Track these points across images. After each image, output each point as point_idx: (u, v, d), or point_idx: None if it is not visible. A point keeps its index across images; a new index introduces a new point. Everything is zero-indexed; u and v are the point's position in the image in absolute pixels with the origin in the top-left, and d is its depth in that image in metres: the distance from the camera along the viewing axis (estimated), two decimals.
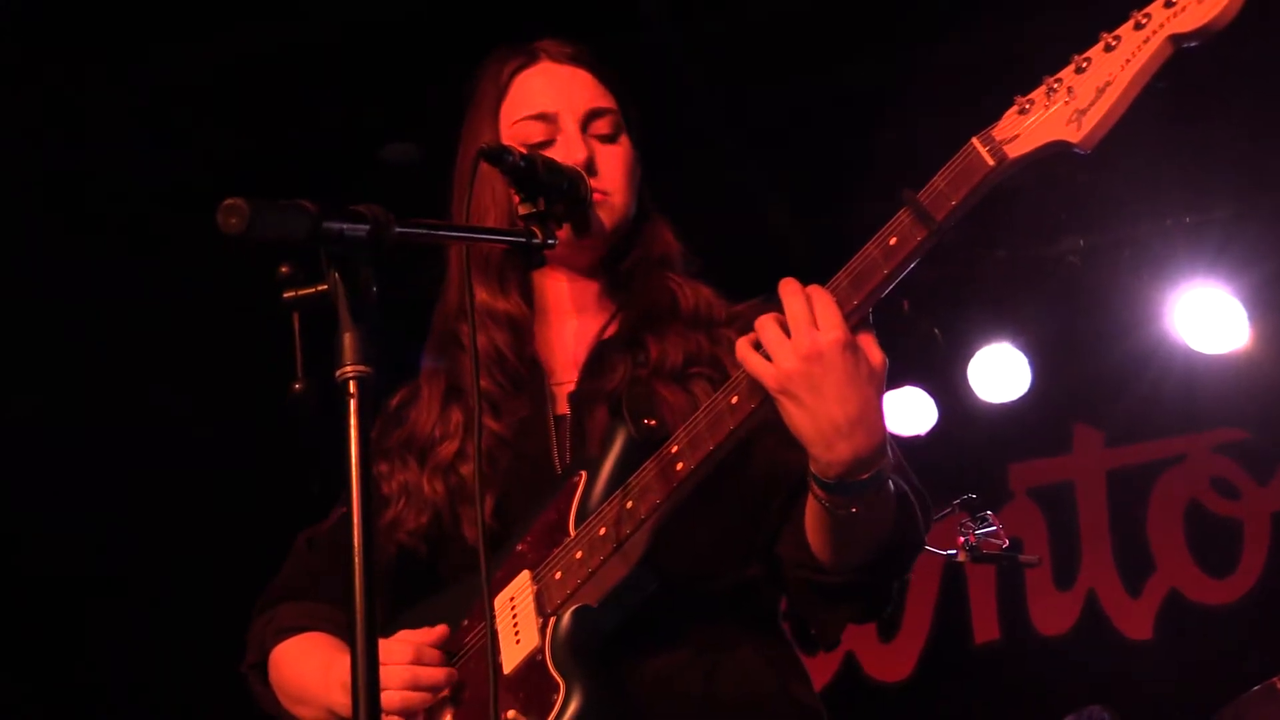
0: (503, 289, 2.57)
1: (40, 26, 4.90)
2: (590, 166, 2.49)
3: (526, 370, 2.54)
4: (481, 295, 2.55)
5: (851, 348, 2.10)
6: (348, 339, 1.79)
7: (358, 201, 1.87)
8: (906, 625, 6.82)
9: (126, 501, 6.34)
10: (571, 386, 2.54)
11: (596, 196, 2.47)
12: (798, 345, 2.09)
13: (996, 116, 2.11)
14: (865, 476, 2.15)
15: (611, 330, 2.57)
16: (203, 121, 5.47)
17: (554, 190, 2.33)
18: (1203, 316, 6.29)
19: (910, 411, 6.61)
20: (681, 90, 5.49)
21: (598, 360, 2.53)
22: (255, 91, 5.35)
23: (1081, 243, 6.48)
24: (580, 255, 2.56)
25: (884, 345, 2.17)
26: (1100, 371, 6.68)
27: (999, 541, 4.96)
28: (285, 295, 1.82)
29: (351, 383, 1.78)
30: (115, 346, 5.97)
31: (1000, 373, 6.63)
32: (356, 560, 1.75)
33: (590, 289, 2.60)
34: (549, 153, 2.46)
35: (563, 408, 2.53)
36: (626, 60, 2.66)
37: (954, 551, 4.94)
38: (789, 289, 2.14)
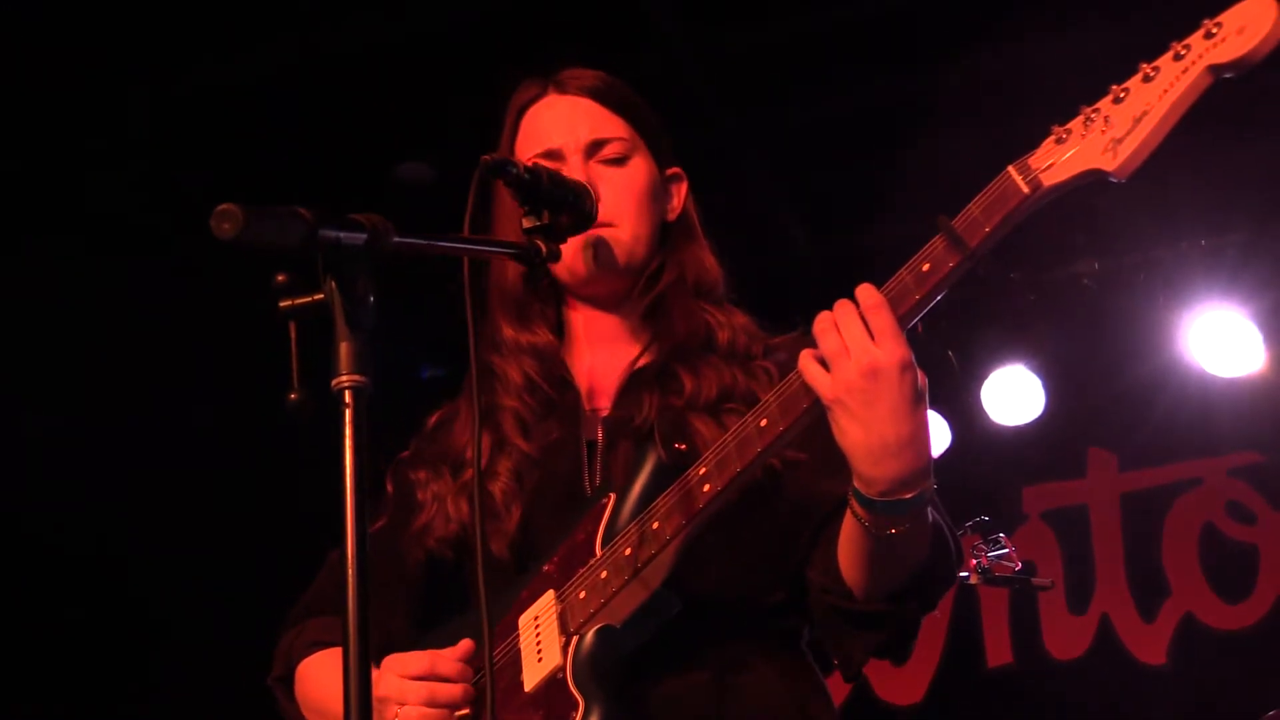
0: (527, 323, 2.59)
1: (62, 37, 4.92)
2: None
3: (558, 394, 2.55)
4: (507, 331, 2.58)
5: (910, 367, 2.10)
6: (343, 348, 1.77)
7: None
8: (919, 648, 6.65)
9: (127, 505, 6.33)
10: (605, 412, 2.54)
11: (602, 231, 2.48)
12: (858, 359, 2.08)
13: (1020, 137, 2.12)
14: (909, 496, 2.15)
15: (644, 360, 2.56)
16: (219, 137, 5.48)
17: (558, 203, 2.31)
18: (1218, 339, 6.26)
19: None
20: (697, 109, 5.48)
21: (630, 389, 2.53)
22: (270, 109, 5.36)
23: (1096, 265, 6.45)
24: (599, 287, 2.57)
25: None
26: (1115, 395, 6.65)
27: (1012, 564, 4.94)
28: (281, 304, 1.81)
29: (347, 392, 1.76)
30: (119, 351, 5.97)
31: (1014, 395, 6.60)
32: (350, 577, 1.72)
33: (620, 319, 2.61)
34: None
35: (595, 432, 2.53)
36: (643, 80, 2.64)
37: (966, 574, 4.92)
38: (843, 307, 2.13)
